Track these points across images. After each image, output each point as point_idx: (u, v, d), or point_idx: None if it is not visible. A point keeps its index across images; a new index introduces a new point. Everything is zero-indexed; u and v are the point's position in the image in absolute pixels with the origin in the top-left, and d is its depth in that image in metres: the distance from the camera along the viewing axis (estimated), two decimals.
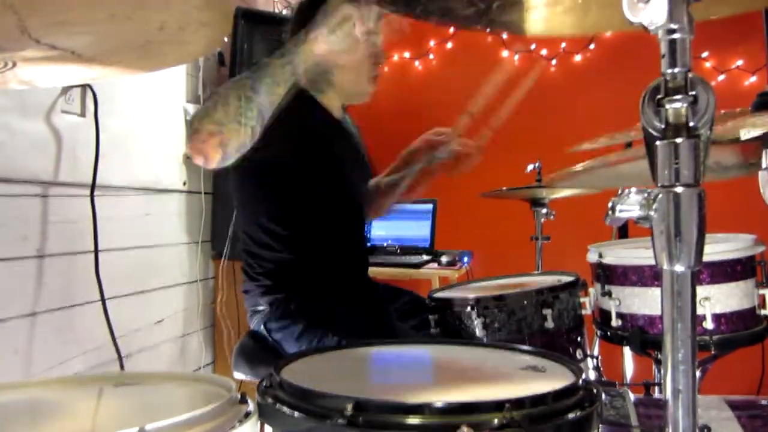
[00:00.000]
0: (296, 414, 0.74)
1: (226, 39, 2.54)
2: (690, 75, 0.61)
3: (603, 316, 1.47)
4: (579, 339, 1.44)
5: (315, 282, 1.49)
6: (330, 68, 1.51)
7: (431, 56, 3.37)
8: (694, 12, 0.61)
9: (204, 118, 1.09)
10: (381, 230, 2.96)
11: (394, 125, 3.32)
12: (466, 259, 2.76)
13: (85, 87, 1.90)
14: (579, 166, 1.36)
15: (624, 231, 2.18)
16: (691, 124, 0.61)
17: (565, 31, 0.92)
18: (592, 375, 1.51)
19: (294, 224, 1.50)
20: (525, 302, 1.36)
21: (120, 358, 1.94)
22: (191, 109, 2.50)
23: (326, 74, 1.53)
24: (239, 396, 0.80)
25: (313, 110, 1.52)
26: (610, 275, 1.43)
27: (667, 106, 0.61)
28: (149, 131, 2.27)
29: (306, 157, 1.43)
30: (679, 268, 0.61)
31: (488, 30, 0.84)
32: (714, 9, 0.83)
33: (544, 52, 3.21)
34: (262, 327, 1.49)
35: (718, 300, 1.31)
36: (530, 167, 2.32)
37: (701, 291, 1.31)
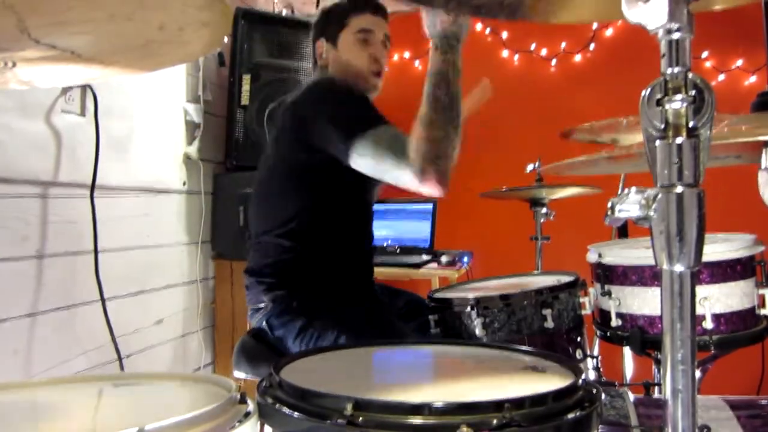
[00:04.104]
0: (296, 414, 0.74)
1: (226, 39, 2.54)
2: (690, 75, 0.61)
3: (603, 316, 1.47)
4: (579, 339, 1.44)
5: (318, 280, 1.50)
6: (332, 73, 1.63)
7: None
8: (696, 4, 0.61)
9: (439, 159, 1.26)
10: (381, 230, 2.96)
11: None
12: (466, 259, 2.76)
13: (85, 87, 1.90)
14: (576, 159, 1.36)
15: (624, 231, 2.18)
16: (691, 124, 0.61)
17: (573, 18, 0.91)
18: (591, 375, 1.51)
19: (309, 220, 1.51)
20: (525, 302, 1.36)
21: (120, 358, 1.94)
22: (191, 109, 2.50)
23: (334, 77, 1.62)
24: (239, 396, 0.80)
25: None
26: (609, 275, 1.43)
27: (667, 106, 0.61)
28: (149, 131, 2.27)
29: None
30: (678, 267, 0.61)
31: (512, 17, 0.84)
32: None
33: (544, 52, 3.22)
34: (264, 323, 1.50)
35: (718, 300, 1.31)
36: (530, 167, 2.32)
37: (701, 291, 1.31)
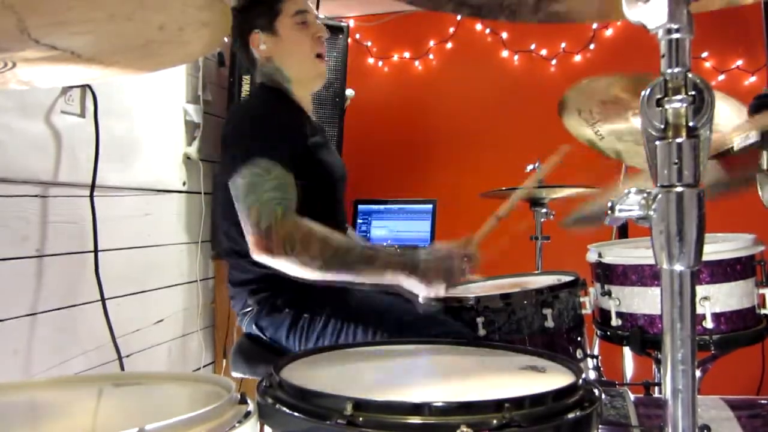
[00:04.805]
0: (296, 414, 0.74)
1: (226, 39, 2.54)
2: (690, 75, 0.61)
3: (603, 315, 1.47)
4: (579, 338, 1.44)
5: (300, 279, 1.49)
6: (278, 64, 1.57)
7: (431, 56, 3.37)
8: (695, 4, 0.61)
9: (286, 247, 1.25)
10: (381, 230, 2.96)
11: (394, 124, 3.32)
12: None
13: (85, 87, 1.90)
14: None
15: (624, 231, 2.18)
16: (691, 124, 0.61)
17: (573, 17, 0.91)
18: (591, 375, 1.51)
19: None
20: (525, 302, 1.36)
21: (120, 358, 1.94)
22: (191, 109, 2.50)
23: (279, 71, 1.58)
24: (239, 396, 0.80)
25: (282, 101, 1.56)
26: (609, 275, 1.43)
27: (667, 106, 0.61)
28: (149, 131, 2.27)
29: (283, 146, 1.42)
30: (678, 267, 0.61)
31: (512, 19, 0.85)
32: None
33: (543, 52, 3.21)
34: (253, 327, 1.49)
35: (718, 299, 1.31)
36: (530, 167, 2.33)
37: (701, 290, 1.31)
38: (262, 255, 1.28)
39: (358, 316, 1.39)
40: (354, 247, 1.30)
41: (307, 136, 1.50)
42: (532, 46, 3.22)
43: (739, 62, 2.93)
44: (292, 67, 1.57)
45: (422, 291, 1.24)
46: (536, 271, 2.20)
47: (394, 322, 1.37)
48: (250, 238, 1.29)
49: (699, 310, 1.29)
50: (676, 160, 0.61)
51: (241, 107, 1.60)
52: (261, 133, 1.42)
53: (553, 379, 0.85)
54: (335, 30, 2.65)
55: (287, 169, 1.34)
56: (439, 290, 1.23)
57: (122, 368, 1.95)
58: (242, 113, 1.58)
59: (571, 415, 0.73)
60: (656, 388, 1.32)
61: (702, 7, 0.62)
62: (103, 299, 1.89)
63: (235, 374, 1.50)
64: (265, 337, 1.48)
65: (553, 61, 3.20)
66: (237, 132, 1.47)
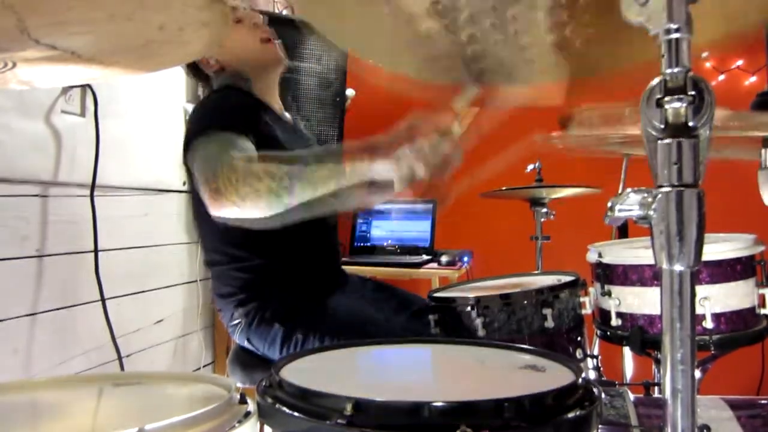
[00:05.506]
0: (296, 414, 0.74)
1: None
2: (690, 75, 0.61)
3: (603, 315, 1.47)
4: (579, 338, 1.44)
5: (286, 285, 1.48)
6: (232, 70, 1.57)
7: None
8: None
9: (230, 189, 1.11)
10: (381, 230, 2.96)
11: (394, 124, 3.32)
12: (466, 259, 2.76)
13: (85, 87, 1.90)
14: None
15: (624, 231, 2.18)
16: (691, 124, 0.61)
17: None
18: (591, 375, 1.51)
19: (251, 235, 1.32)
20: (525, 302, 1.36)
21: (120, 358, 1.94)
22: (191, 109, 2.50)
23: (237, 75, 1.57)
24: (239, 396, 0.80)
25: (238, 97, 1.54)
26: (609, 275, 1.43)
27: (667, 106, 0.61)
28: (149, 131, 2.27)
29: (237, 119, 1.37)
30: (678, 267, 0.61)
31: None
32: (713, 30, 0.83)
33: None
34: (246, 342, 1.48)
35: (718, 299, 1.31)
36: (530, 167, 2.33)
37: (701, 290, 1.31)
38: (215, 209, 1.16)
39: (354, 334, 1.34)
40: (298, 157, 1.16)
41: (264, 124, 1.47)
42: None
43: (739, 62, 2.93)
44: (245, 65, 1.56)
45: (395, 174, 1.07)
46: (536, 271, 2.20)
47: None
48: (205, 200, 1.17)
49: (699, 310, 1.29)
50: (676, 160, 0.61)
51: (198, 105, 1.58)
52: (214, 114, 1.40)
53: (553, 378, 0.85)
54: None
55: (239, 132, 1.29)
56: (417, 170, 1.07)
57: (122, 368, 1.95)
58: (197, 108, 1.56)
59: (571, 415, 0.73)
60: (656, 388, 1.32)
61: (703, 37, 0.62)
62: (103, 299, 1.89)
63: None
64: (259, 352, 1.48)
65: None
66: (194, 125, 1.42)
